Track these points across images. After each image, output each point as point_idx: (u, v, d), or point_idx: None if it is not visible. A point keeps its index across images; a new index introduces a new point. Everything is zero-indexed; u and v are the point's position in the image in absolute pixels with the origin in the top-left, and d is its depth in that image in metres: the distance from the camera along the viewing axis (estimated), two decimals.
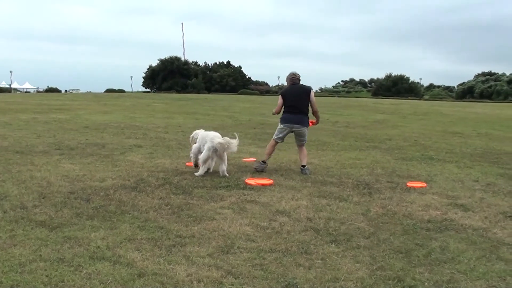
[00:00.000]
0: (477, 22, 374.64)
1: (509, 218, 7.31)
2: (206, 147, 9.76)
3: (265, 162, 10.41)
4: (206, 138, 9.97)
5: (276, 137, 10.49)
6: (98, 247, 5.59)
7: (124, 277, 4.79)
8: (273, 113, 10.83)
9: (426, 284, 4.87)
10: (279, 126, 10.50)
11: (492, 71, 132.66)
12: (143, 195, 8.05)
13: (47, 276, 4.76)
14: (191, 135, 10.66)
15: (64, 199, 7.61)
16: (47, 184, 8.60)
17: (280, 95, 10.57)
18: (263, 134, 17.82)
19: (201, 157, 9.75)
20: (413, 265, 5.37)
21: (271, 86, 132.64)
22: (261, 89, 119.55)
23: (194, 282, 4.74)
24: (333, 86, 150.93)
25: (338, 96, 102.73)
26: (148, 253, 5.45)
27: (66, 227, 6.25)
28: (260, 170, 10.19)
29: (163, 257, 5.36)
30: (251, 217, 6.93)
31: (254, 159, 11.78)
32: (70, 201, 7.50)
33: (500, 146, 16.35)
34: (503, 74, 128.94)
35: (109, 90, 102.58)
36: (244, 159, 11.73)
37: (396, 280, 4.93)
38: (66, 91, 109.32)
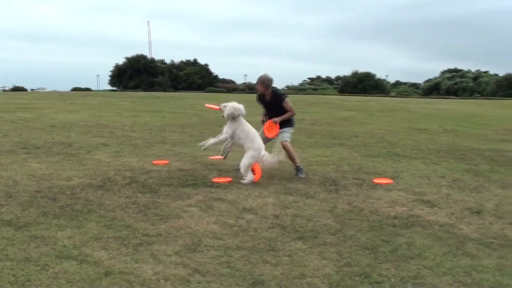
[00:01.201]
0: (443, 20, 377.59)
1: (475, 214, 7.39)
2: (250, 154, 9.21)
3: (299, 167, 10.05)
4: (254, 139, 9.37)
5: (290, 140, 10.18)
6: (65, 246, 5.56)
7: (90, 276, 4.78)
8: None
9: (392, 280, 4.91)
10: (292, 130, 10.35)
11: (458, 68, 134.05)
12: (109, 194, 8.00)
13: (13, 275, 4.74)
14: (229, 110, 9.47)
15: (31, 198, 7.55)
16: (13, 183, 8.53)
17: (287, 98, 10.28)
18: None
19: (245, 164, 9.17)
20: (379, 261, 5.41)
21: (238, 84, 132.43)
22: (228, 87, 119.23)
23: (161, 280, 4.73)
24: (300, 84, 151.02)
25: (305, 94, 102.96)
26: (114, 252, 5.43)
27: (33, 226, 6.21)
28: (303, 177, 9.82)
29: (130, 255, 5.35)
30: (218, 215, 6.94)
31: (221, 157, 11.75)
32: (37, 200, 7.45)
33: (466, 143, 16.51)
34: (469, 71, 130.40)
35: (75, 89, 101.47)
36: (211, 157, 11.70)
37: (362, 276, 4.97)
38: (32, 90, 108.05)
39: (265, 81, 9.97)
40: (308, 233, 6.27)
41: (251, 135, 9.34)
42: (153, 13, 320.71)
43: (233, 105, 9.36)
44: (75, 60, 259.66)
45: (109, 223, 6.43)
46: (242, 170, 9.10)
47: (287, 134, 10.13)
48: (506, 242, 6.17)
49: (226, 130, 9.42)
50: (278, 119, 9.93)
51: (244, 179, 9.06)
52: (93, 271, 4.88)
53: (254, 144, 9.20)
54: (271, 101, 10.08)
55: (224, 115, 9.45)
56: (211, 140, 9.54)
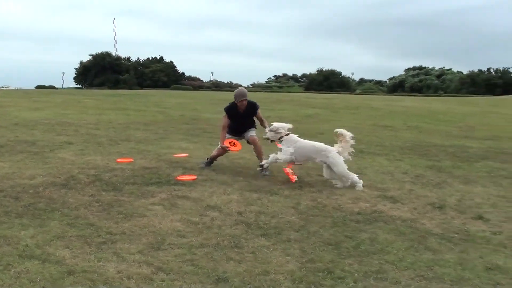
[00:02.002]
0: (408, 18, 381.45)
1: (437, 209, 7.49)
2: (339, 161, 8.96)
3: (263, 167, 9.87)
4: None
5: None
6: (27, 245, 5.51)
7: (53, 275, 4.75)
8: None
9: (355, 275, 4.95)
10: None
11: (422, 66, 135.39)
12: (73, 192, 7.94)
13: None
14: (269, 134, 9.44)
15: None
16: None
17: None
18: (195, 130, 17.76)
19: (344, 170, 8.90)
20: (342, 256, 5.46)
21: (204, 81, 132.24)
22: (194, 84, 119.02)
23: (125, 279, 4.72)
24: (265, 82, 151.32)
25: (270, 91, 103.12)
26: (78, 251, 5.41)
27: None
28: (268, 174, 9.78)
29: (93, 254, 5.32)
30: (182, 212, 6.92)
31: (186, 154, 11.74)
32: None
33: (429, 139, 16.68)
34: (433, 69, 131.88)
35: (40, 87, 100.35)
36: (175, 155, 11.67)
37: (325, 272, 5.00)
38: None
39: (247, 95, 10.01)
40: (272, 230, 6.29)
41: (318, 147, 9.30)
42: (118, 10, 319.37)
43: (272, 127, 9.33)
44: (39, 58, 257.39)
45: (72, 222, 6.39)
46: (344, 175, 8.88)
47: (255, 131, 10.24)
48: (468, 236, 6.26)
49: (285, 150, 9.18)
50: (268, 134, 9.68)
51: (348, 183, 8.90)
52: (56, 270, 4.85)
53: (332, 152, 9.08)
54: (246, 113, 10.11)
55: (266, 137, 9.45)
56: (271, 157, 9.27)
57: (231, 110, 10.07)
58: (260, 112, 10.20)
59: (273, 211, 7.15)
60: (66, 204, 7.21)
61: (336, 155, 8.99)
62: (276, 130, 9.29)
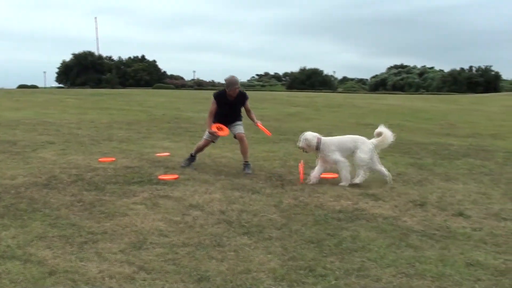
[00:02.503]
0: (388, 16, 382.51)
1: (418, 206, 7.52)
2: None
3: (247, 162, 10.14)
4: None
5: None
6: (9, 246, 5.49)
7: (35, 275, 4.73)
8: None
9: (337, 272, 4.96)
10: None
11: (404, 64, 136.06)
12: (55, 192, 7.91)
13: None
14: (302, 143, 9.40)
15: None
16: None
17: None
18: (177, 129, 17.76)
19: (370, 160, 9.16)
20: (324, 254, 5.47)
21: (186, 80, 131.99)
22: (177, 83, 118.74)
23: (106, 278, 4.71)
24: (248, 80, 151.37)
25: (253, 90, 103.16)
26: (59, 251, 5.39)
27: None
28: (250, 172, 9.90)
29: (75, 254, 5.31)
30: (164, 212, 6.92)
31: (168, 154, 11.73)
32: None
33: (411, 137, 16.74)
34: (415, 67, 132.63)
35: (21, 86, 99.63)
36: (158, 154, 11.66)
37: (307, 270, 5.02)
38: None
39: (239, 83, 9.98)
40: (254, 228, 6.30)
41: (353, 137, 9.64)
42: (100, 9, 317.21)
43: (305, 138, 9.31)
44: (21, 57, 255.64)
45: (54, 222, 6.37)
46: (369, 165, 9.12)
47: (242, 127, 10.23)
48: (449, 233, 6.30)
49: (335, 158, 9.21)
50: (259, 122, 10.15)
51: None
52: (37, 271, 4.83)
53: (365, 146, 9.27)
54: (236, 101, 10.06)
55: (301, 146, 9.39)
56: (343, 172, 9.11)
57: (220, 98, 10.00)
58: (248, 103, 10.19)
59: (255, 209, 7.16)
60: (47, 204, 7.19)
61: (369, 143, 9.25)
62: (309, 142, 9.25)
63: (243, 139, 10.06)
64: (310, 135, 9.32)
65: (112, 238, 5.83)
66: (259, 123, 10.17)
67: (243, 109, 10.28)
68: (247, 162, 10.07)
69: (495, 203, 7.82)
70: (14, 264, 5.00)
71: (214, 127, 9.98)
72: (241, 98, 10.07)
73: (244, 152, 10.12)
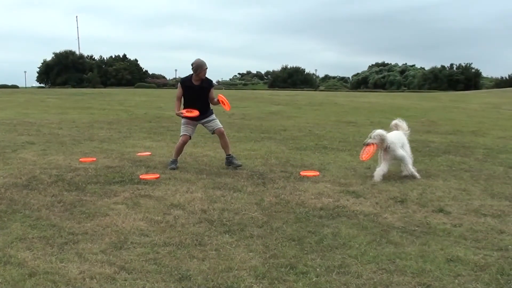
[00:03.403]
0: (369, 15, 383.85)
1: (399, 203, 7.54)
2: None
3: (231, 155, 10.31)
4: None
5: None
6: None
7: (14, 277, 4.69)
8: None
9: (318, 269, 4.97)
10: None
11: (385, 62, 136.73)
12: (35, 193, 7.87)
13: None
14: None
15: None
16: None
17: None
18: (158, 128, 17.74)
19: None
20: (305, 252, 5.48)
21: (168, 79, 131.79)
22: (158, 82, 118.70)
23: (87, 279, 4.69)
24: (230, 79, 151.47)
25: (233, 89, 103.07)
26: (39, 252, 5.35)
27: None
28: (240, 164, 10.16)
29: (55, 255, 5.28)
30: (145, 211, 6.90)
31: (149, 153, 11.71)
32: None
33: None
34: (396, 65, 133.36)
35: (1, 86, 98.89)
36: (139, 154, 11.64)
37: (288, 267, 5.02)
38: None
39: (206, 64, 9.95)
40: (235, 227, 6.30)
41: (403, 136, 10.06)
42: (82, 7, 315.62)
43: (380, 134, 9.45)
44: (1, 56, 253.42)
45: (34, 223, 6.33)
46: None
47: (219, 121, 10.26)
48: (429, 229, 6.32)
49: (401, 154, 9.48)
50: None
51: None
52: (17, 273, 4.80)
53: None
54: (202, 87, 10.00)
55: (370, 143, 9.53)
56: (409, 166, 9.52)
57: (186, 82, 10.03)
58: (213, 91, 10.17)
59: (236, 207, 7.16)
60: (27, 205, 7.14)
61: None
62: (382, 139, 9.36)
63: (223, 134, 10.14)
64: (384, 132, 9.51)
65: (93, 239, 5.80)
66: (220, 95, 10.22)
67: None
68: (230, 155, 10.17)
69: (475, 199, 7.85)
70: None
71: (183, 111, 10.00)
72: (207, 84, 10.06)
73: (225, 146, 10.20)
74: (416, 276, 4.87)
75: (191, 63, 9.87)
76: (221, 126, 10.20)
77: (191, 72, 9.87)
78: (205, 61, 9.93)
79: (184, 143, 10.18)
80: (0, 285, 4.54)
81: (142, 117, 22.24)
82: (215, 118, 10.24)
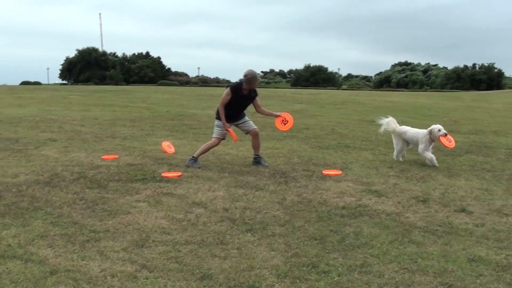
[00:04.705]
0: (393, 13, 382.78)
1: (421, 203, 7.50)
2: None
3: (259, 155, 10.46)
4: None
5: None
6: (9, 245, 5.47)
7: (36, 275, 4.71)
8: None
9: (340, 269, 4.96)
10: None
11: (408, 61, 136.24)
12: (57, 190, 7.90)
13: None
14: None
15: None
16: None
17: None
18: (181, 126, 17.76)
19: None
20: (327, 251, 5.46)
21: (191, 76, 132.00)
22: (181, 80, 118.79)
23: (108, 277, 4.69)
24: None
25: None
26: (61, 250, 5.37)
27: None
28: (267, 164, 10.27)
29: (77, 253, 5.29)
30: (167, 209, 6.91)
31: (172, 151, 11.72)
32: None
33: None
34: (419, 64, 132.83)
35: (24, 83, 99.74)
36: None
37: (310, 266, 5.01)
38: None
39: (259, 78, 10.18)
40: (257, 225, 6.29)
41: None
42: (105, 4, 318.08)
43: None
44: (24, 53, 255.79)
45: (55, 220, 6.35)
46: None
47: (253, 123, 10.35)
48: (451, 229, 6.29)
49: (421, 139, 10.84)
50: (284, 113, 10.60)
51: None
52: (39, 270, 4.81)
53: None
54: (249, 96, 10.05)
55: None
56: (428, 155, 10.75)
57: (237, 90, 9.95)
58: (258, 100, 10.23)
59: (258, 206, 7.15)
60: (49, 203, 7.17)
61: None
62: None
63: (258, 135, 10.25)
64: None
65: (114, 236, 5.81)
66: (283, 113, 10.65)
67: None
68: (259, 155, 10.30)
69: (497, 199, 7.80)
70: (15, 263, 4.98)
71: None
72: (254, 94, 10.10)
73: (257, 146, 10.28)
74: (438, 276, 4.85)
75: (244, 73, 9.89)
76: (256, 127, 10.27)
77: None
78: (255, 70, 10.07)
79: (215, 146, 10.24)
80: (21, 283, 4.55)
81: (164, 114, 22.27)
82: (249, 119, 10.31)
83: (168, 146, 11.45)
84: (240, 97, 9.95)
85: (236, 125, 10.21)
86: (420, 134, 10.88)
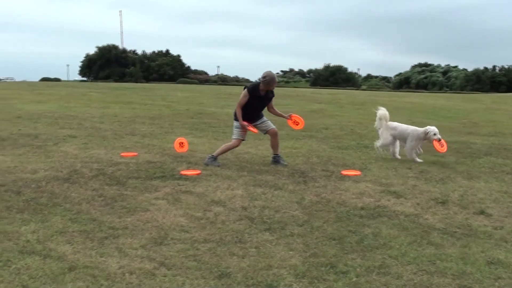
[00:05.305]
0: (413, 14, 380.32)
1: (440, 204, 7.46)
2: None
3: (279, 155, 10.48)
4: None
5: None
6: (28, 241, 5.51)
7: (54, 271, 4.73)
8: None
9: (358, 269, 4.95)
10: None
11: (428, 62, 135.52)
12: (76, 186, 7.94)
13: None
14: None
15: None
16: None
17: None
18: (200, 124, 17.78)
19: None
20: (345, 251, 5.45)
21: (210, 75, 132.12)
22: (201, 78, 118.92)
23: (126, 274, 4.71)
24: None
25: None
26: (79, 246, 5.40)
27: None
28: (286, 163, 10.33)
29: (95, 249, 5.32)
30: (186, 207, 6.92)
31: (184, 150, 11.72)
32: (0, 194, 7.37)
33: None
34: (439, 65, 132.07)
35: (44, 79, 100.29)
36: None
37: (328, 267, 5.00)
38: None
39: (277, 80, 10.26)
40: (276, 225, 6.29)
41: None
42: (125, 2, 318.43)
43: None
44: (44, 50, 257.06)
45: (74, 217, 6.39)
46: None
47: (271, 122, 10.33)
48: (470, 231, 6.25)
49: (411, 137, 11.22)
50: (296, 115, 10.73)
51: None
52: (57, 266, 4.84)
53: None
54: (266, 97, 10.09)
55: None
56: (412, 155, 11.23)
57: (254, 91, 9.97)
58: (273, 100, 10.30)
59: (277, 205, 7.15)
60: (68, 199, 7.22)
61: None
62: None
63: (276, 134, 10.23)
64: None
65: (133, 234, 5.83)
66: (293, 115, 10.67)
67: None
68: (278, 155, 10.29)
69: None
70: (34, 259, 5.01)
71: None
72: (271, 95, 10.16)
73: (276, 146, 10.28)
74: (457, 278, 4.83)
75: (262, 74, 9.94)
76: (274, 127, 10.26)
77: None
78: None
79: (235, 147, 10.28)
80: (40, 278, 4.58)
81: (184, 112, 22.32)
82: (267, 119, 10.32)
83: (180, 144, 11.36)
84: (257, 98, 9.97)
85: (255, 126, 10.18)
86: (410, 131, 11.17)
